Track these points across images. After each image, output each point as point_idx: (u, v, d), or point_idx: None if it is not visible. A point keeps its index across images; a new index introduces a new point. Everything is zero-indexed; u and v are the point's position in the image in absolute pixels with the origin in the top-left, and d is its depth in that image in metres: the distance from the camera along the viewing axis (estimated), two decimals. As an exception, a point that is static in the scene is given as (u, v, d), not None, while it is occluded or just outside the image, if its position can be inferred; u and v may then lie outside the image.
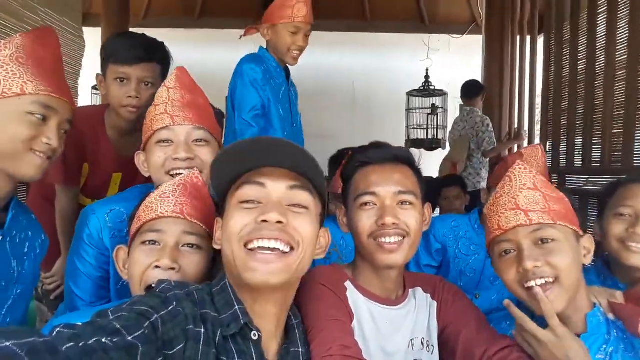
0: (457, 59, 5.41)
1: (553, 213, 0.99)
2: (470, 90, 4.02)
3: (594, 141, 2.84)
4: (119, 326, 0.66)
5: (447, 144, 4.31)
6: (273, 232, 0.80)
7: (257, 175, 0.85)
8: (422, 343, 1.09)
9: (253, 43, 2.10)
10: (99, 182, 1.70)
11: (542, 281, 0.96)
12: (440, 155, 4.35)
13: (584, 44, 2.97)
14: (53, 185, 1.69)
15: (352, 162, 1.13)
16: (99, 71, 1.63)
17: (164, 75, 1.62)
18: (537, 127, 3.92)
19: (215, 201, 1.07)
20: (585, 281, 1.33)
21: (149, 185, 1.26)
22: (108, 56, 1.57)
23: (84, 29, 3.40)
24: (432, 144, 4.48)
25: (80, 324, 0.65)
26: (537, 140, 3.85)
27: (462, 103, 4.12)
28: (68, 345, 0.57)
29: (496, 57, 4.34)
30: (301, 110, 2.19)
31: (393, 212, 1.03)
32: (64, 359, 0.54)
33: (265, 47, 1.99)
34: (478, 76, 4.40)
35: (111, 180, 1.71)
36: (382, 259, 1.04)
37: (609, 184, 1.44)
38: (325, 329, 0.92)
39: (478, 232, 1.80)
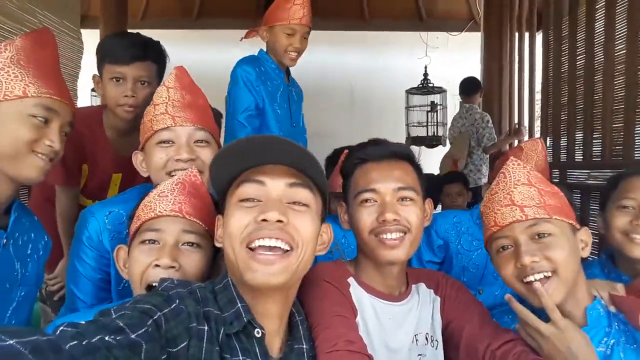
0: (456, 56, 5.41)
1: (548, 207, 0.99)
2: (468, 87, 4.03)
3: (594, 136, 2.83)
4: (122, 324, 0.65)
5: (447, 141, 4.31)
6: (273, 232, 0.80)
7: (256, 173, 0.85)
8: (426, 338, 1.09)
9: (251, 44, 2.12)
10: (99, 182, 1.70)
11: (541, 275, 0.97)
12: (440, 152, 4.35)
13: (582, 40, 2.96)
14: (54, 186, 1.70)
15: (351, 159, 1.13)
16: (97, 73, 1.63)
17: (160, 74, 1.62)
18: (537, 123, 3.92)
19: (214, 199, 1.07)
20: (589, 274, 1.34)
21: (147, 185, 1.25)
22: (103, 56, 1.57)
23: (82, 31, 3.39)
24: (432, 141, 4.48)
25: (83, 322, 0.65)
26: (537, 136, 3.85)
27: (461, 100, 4.12)
28: (71, 344, 0.57)
29: (495, 54, 4.34)
30: (301, 109, 2.20)
31: (393, 208, 1.03)
32: (68, 357, 0.54)
33: (266, 48, 2.02)
34: (477, 73, 4.40)
35: (111, 180, 1.71)
36: (384, 255, 1.04)
37: (611, 176, 1.44)
38: (330, 325, 0.92)
39: (480, 228, 1.80)
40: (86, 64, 3.26)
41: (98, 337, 0.61)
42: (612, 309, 1.04)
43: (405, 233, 1.04)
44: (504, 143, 3.95)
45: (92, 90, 3.93)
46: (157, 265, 0.95)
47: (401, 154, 1.11)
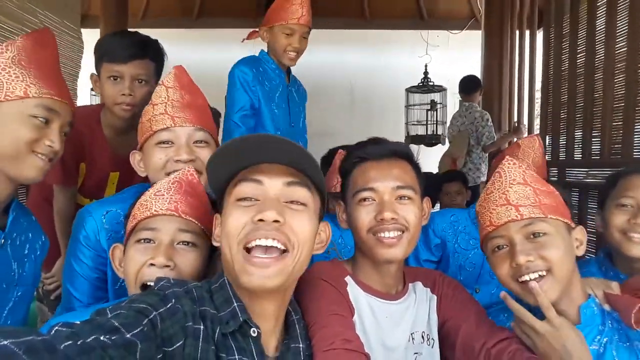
0: (456, 55, 5.40)
1: (544, 207, 0.99)
2: (468, 85, 4.02)
3: (593, 134, 2.83)
4: (117, 324, 0.65)
5: (447, 140, 4.31)
6: (270, 232, 0.80)
7: (253, 172, 0.84)
8: (423, 337, 1.10)
9: (253, 43, 2.12)
10: (96, 181, 1.70)
11: (536, 275, 0.97)
12: (439, 150, 4.34)
13: (583, 38, 2.95)
14: (53, 186, 1.70)
15: (350, 158, 1.13)
16: (95, 72, 1.63)
17: (158, 72, 1.62)
18: (537, 121, 3.91)
19: (211, 198, 1.07)
20: (586, 272, 1.34)
21: (145, 184, 1.25)
22: (101, 55, 1.57)
23: (83, 30, 3.40)
24: (431, 140, 4.47)
25: (78, 322, 0.65)
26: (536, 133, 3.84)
27: (460, 99, 4.12)
28: (66, 344, 0.57)
29: (495, 52, 4.33)
30: (300, 108, 2.20)
31: (392, 207, 1.03)
32: (63, 358, 0.54)
33: (267, 49, 2.04)
34: (477, 71, 4.39)
35: (108, 179, 1.71)
36: (382, 254, 1.04)
37: (610, 175, 1.44)
38: (327, 324, 0.92)
39: (477, 226, 1.79)
40: (86, 63, 3.26)
41: (93, 337, 0.61)
42: (607, 307, 1.04)
43: (403, 232, 1.05)
44: (503, 141, 3.95)
45: (92, 89, 3.91)
46: (152, 264, 0.95)
47: (400, 153, 1.11)
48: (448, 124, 4.33)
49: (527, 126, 4.05)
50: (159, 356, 0.70)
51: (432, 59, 4.97)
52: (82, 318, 0.69)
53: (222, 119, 2.19)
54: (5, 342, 0.48)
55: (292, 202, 0.84)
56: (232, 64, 2.03)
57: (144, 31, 1.70)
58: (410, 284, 1.15)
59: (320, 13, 2.52)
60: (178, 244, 0.99)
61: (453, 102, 4.73)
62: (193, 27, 5.42)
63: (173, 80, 1.22)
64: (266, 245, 0.80)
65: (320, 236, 0.92)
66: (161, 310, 0.73)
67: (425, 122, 4.53)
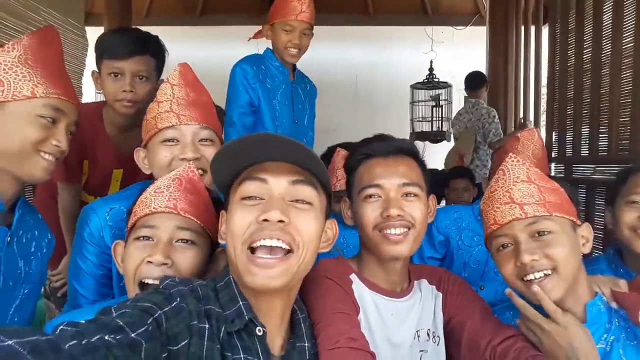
0: (461, 51, 5.37)
1: (548, 204, 0.98)
2: (474, 81, 4.00)
3: (600, 130, 2.81)
4: (122, 323, 0.65)
5: (452, 136, 4.28)
6: (274, 232, 0.79)
7: (258, 170, 0.84)
8: (428, 334, 1.09)
9: (257, 41, 2.13)
10: (100, 178, 1.71)
11: (541, 274, 0.96)
12: (445, 147, 4.33)
13: (589, 33, 2.93)
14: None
15: (355, 154, 1.12)
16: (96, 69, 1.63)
17: (158, 69, 1.62)
18: (543, 117, 3.89)
19: (212, 195, 1.06)
20: (595, 269, 1.33)
21: (149, 182, 1.25)
22: (101, 52, 1.57)
23: (87, 28, 3.41)
24: (436, 136, 4.46)
25: (83, 321, 0.65)
26: (543, 130, 3.82)
27: (466, 95, 4.09)
28: (71, 343, 0.57)
29: (500, 48, 4.31)
30: (304, 104, 2.19)
31: (398, 204, 1.03)
32: (67, 357, 0.54)
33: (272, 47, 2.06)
34: (482, 67, 4.37)
35: (112, 176, 1.71)
36: (388, 250, 1.04)
37: (620, 171, 1.42)
38: (332, 323, 0.92)
39: (481, 223, 1.79)
40: (91, 61, 3.27)
41: (98, 337, 0.60)
42: (614, 305, 1.03)
43: (409, 229, 1.04)
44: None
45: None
46: (149, 262, 0.94)
47: (406, 150, 1.10)
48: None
49: (533, 122, 4.02)
50: (163, 355, 0.70)
51: (436, 55, 4.94)
52: (87, 316, 0.69)
53: (225, 117, 2.19)
54: (10, 342, 0.48)
55: (297, 201, 0.83)
56: (236, 61, 2.04)
57: (147, 29, 1.70)
58: (415, 282, 1.14)
59: (323, 9, 2.51)
60: (177, 241, 0.98)
61: (458, 98, 4.70)
62: (197, 24, 5.42)
63: (178, 77, 1.22)
64: (270, 246, 0.79)
65: (327, 234, 0.91)
66: (166, 309, 0.73)
67: (430, 119, 4.52)
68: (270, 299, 0.84)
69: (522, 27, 4.24)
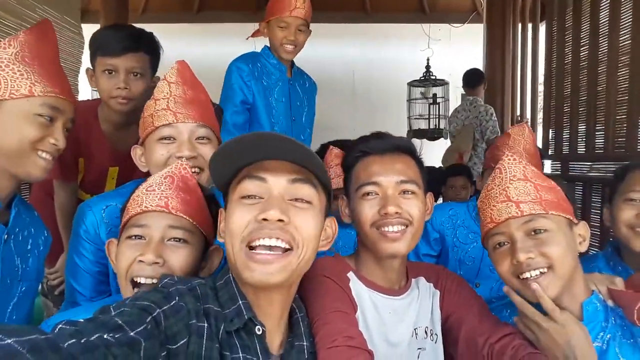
0: (458, 48, 5.38)
1: (545, 203, 0.98)
2: (472, 78, 3.99)
3: (597, 127, 2.82)
4: (121, 322, 0.65)
5: (449, 134, 4.29)
6: (273, 231, 0.79)
7: (257, 169, 0.83)
8: (426, 332, 1.10)
9: (254, 39, 2.12)
10: (95, 176, 1.70)
11: (537, 272, 0.96)
12: (442, 144, 4.33)
13: (586, 30, 2.94)
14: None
15: (353, 152, 1.12)
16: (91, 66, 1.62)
17: (153, 66, 1.61)
18: (540, 114, 3.89)
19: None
20: (593, 267, 1.33)
21: (145, 179, 1.25)
22: (95, 49, 1.56)
23: (83, 25, 3.39)
24: (433, 134, 4.46)
25: (82, 320, 0.64)
26: (540, 128, 3.82)
27: (463, 92, 4.09)
28: (70, 342, 0.57)
29: (498, 46, 4.31)
30: (302, 102, 2.19)
31: (395, 202, 1.03)
32: (66, 356, 0.54)
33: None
34: (479, 65, 4.37)
35: (108, 174, 1.70)
36: (385, 248, 1.04)
37: (618, 168, 1.41)
38: (330, 321, 0.92)
39: (476, 220, 1.79)
40: (87, 59, 3.26)
41: (97, 335, 0.60)
42: (610, 303, 1.03)
43: (406, 226, 1.04)
44: (508, 136, 3.92)
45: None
46: (141, 261, 0.94)
47: (403, 148, 1.10)
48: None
49: (529, 120, 4.03)
50: (162, 354, 0.70)
51: (433, 52, 4.94)
52: (86, 314, 0.69)
53: (223, 115, 2.19)
54: (9, 341, 0.48)
55: (296, 199, 0.83)
56: (233, 58, 2.05)
57: (144, 26, 1.69)
58: (413, 279, 1.14)
59: (321, 7, 2.51)
60: (169, 240, 0.97)
61: (455, 96, 4.71)
62: (194, 21, 5.40)
63: (176, 75, 1.21)
64: (270, 245, 0.79)
65: (327, 232, 0.91)
66: (165, 307, 0.73)
67: (427, 116, 4.52)
68: (269, 296, 0.84)
69: (520, 25, 4.24)
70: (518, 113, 4.22)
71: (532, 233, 0.98)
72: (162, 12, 5.28)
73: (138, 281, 0.94)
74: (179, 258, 0.96)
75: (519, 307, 0.99)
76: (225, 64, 2.06)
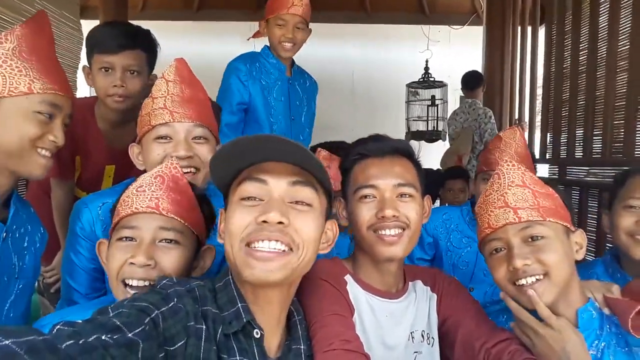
0: (458, 50, 5.39)
1: (542, 209, 0.98)
2: (471, 81, 3.99)
3: (595, 132, 2.82)
4: (119, 323, 0.65)
5: (447, 136, 4.29)
6: (273, 233, 0.79)
7: (258, 171, 0.83)
8: (422, 336, 1.10)
9: (254, 39, 2.13)
10: (92, 174, 1.69)
11: (533, 279, 0.96)
12: (440, 146, 4.34)
13: (585, 35, 2.94)
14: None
15: (351, 154, 1.12)
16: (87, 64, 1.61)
17: (150, 63, 1.60)
18: (538, 118, 3.90)
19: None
20: (592, 274, 1.32)
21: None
22: (92, 46, 1.55)
23: (82, 21, 3.38)
24: (432, 136, 4.46)
25: (80, 321, 0.64)
26: (537, 131, 3.83)
27: (462, 94, 4.10)
28: (68, 343, 0.57)
29: (497, 48, 4.31)
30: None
31: (393, 205, 1.03)
32: (64, 357, 0.54)
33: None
34: (478, 67, 4.38)
35: (104, 172, 1.70)
36: (382, 252, 1.04)
37: (618, 174, 1.40)
38: (327, 324, 0.92)
39: (470, 225, 1.80)
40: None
41: (95, 336, 0.60)
42: (606, 311, 1.03)
43: (404, 229, 1.04)
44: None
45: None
46: (132, 263, 0.93)
47: (401, 150, 1.10)
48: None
49: (527, 123, 4.04)
50: (160, 355, 0.70)
51: (432, 54, 4.95)
52: (82, 314, 0.69)
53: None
54: (7, 342, 0.48)
55: (296, 202, 0.83)
56: (232, 56, 2.05)
57: (143, 23, 1.68)
58: (410, 283, 1.15)
59: (321, 7, 2.51)
60: (160, 241, 0.96)
61: (454, 98, 4.72)
62: (193, 19, 5.39)
63: (174, 73, 1.20)
64: (269, 247, 0.79)
65: (327, 235, 0.91)
66: (163, 309, 0.73)
67: (426, 118, 4.52)
68: (268, 296, 0.84)
69: (519, 28, 4.25)
70: (517, 116, 4.22)
71: (529, 240, 0.98)
72: (161, 9, 5.26)
73: (129, 283, 0.94)
74: (170, 259, 0.96)
75: (515, 313, 0.99)
76: (225, 62, 2.06)
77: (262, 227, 0.79)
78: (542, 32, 3.78)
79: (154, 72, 1.63)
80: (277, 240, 0.79)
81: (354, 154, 1.11)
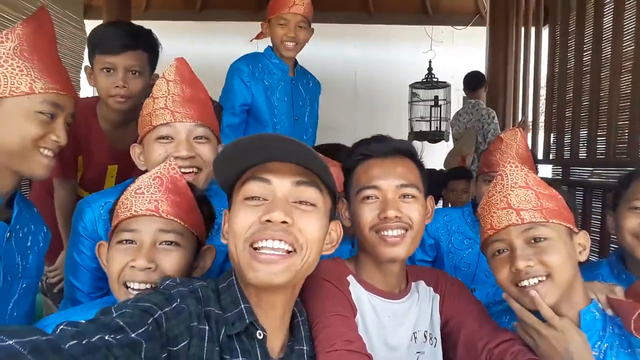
0: (461, 51, 5.38)
1: (545, 211, 0.98)
2: (472, 81, 3.98)
3: (598, 133, 2.81)
4: (122, 323, 0.65)
5: (450, 136, 4.28)
6: (277, 233, 0.79)
7: (262, 170, 0.83)
8: (425, 336, 1.10)
9: (254, 36, 2.13)
10: (95, 174, 1.69)
11: (535, 280, 0.96)
12: (443, 147, 4.33)
13: (589, 35, 2.93)
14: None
15: (354, 155, 1.12)
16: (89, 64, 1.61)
17: (152, 63, 1.60)
18: (542, 119, 3.89)
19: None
20: (597, 275, 1.32)
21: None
22: (94, 47, 1.55)
23: (85, 21, 3.39)
24: (435, 136, 4.45)
25: (83, 321, 0.65)
26: (541, 132, 3.82)
27: (465, 95, 4.09)
28: (71, 343, 0.57)
29: (500, 49, 4.30)
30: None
31: (395, 206, 1.03)
32: (67, 357, 0.54)
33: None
34: (482, 68, 4.37)
35: (107, 172, 1.70)
36: (385, 252, 1.04)
37: (623, 175, 1.39)
38: (330, 325, 0.92)
39: (471, 226, 1.79)
40: (89, 55, 3.25)
41: (98, 337, 0.60)
42: (610, 312, 1.02)
43: (406, 230, 1.04)
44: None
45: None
46: (133, 266, 0.93)
47: (404, 151, 1.10)
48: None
49: (531, 123, 4.03)
50: (163, 355, 0.70)
51: (436, 54, 4.94)
52: (85, 313, 0.69)
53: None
54: (11, 342, 0.48)
55: (300, 202, 0.83)
56: (235, 56, 2.06)
57: (146, 23, 1.68)
58: (413, 283, 1.14)
59: (324, 7, 2.51)
60: (160, 244, 0.96)
61: (457, 98, 4.71)
62: (196, 19, 5.40)
63: (174, 73, 1.20)
64: (272, 247, 0.79)
65: (331, 236, 0.91)
66: (166, 309, 0.73)
67: (429, 119, 4.51)
68: (272, 298, 0.84)
69: (522, 28, 4.23)
70: (524, 117, 4.20)
71: (532, 241, 0.97)
72: (164, 9, 5.27)
73: (131, 286, 0.94)
74: (171, 262, 0.96)
75: (518, 314, 0.99)
76: (227, 62, 2.07)
77: (266, 227, 0.79)
78: (545, 32, 3.77)
79: (156, 72, 1.63)
80: (280, 240, 0.79)
81: (356, 154, 1.11)
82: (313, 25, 2.05)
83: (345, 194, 1.14)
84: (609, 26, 2.72)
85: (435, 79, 4.48)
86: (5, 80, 1.01)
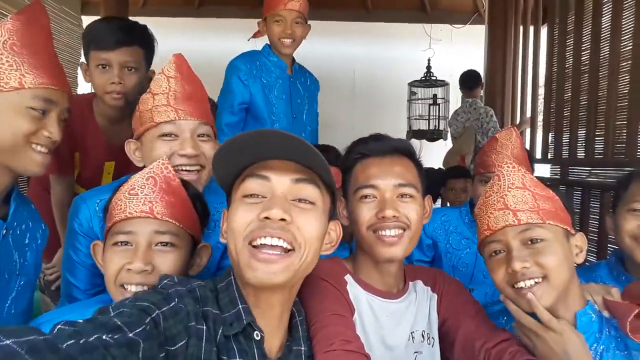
0: (460, 49, 5.37)
1: (542, 212, 0.98)
2: (469, 80, 3.98)
3: (597, 132, 2.82)
4: (119, 323, 0.65)
5: (449, 135, 4.28)
6: (275, 230, 0.78)
7: (261, 168, 0.83)
8: (423, 336, 1.10)
9: (253, 32, 2.12)
10: (91, 171, 1.69)
11: (532, 282, 0.96)
12: (441, 146, 4.33)
13: (588, 35, 2.93)
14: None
15: (351, 153, 1.12)
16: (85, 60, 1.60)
17: (147, 59, 1.59)
18: (540, 118, 3.89)
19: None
20: (596, 276, 1.32)
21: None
22: (89, 43, 1.54)
23: (83, 17, 3.38)
24: (433, 135, 4.46)
25: (81, 321, 0.64)
26: (539, 131, 3.83)
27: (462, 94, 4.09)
28: (69, 343, 0.57)
29: (499, 48, 4.30)
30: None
31: (393, 205, 1.03)
32: (65, 357, 0.53)
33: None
34: (480, 66, 4.37)
35: (104, 169, 1.69)
36: (382, 252, 1.04)
37: (622, 176, 1.39)
38: (327, 324, 0.92)
39: (469, 226, 1.79)
40: (86, 51, 3.23)
41: (95, 336, 0.60)
42: (606, 313, 1.02)
43: (404, 230, 1.04)
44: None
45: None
46: (130, 269, 0.93)
47: (402, 150, 1.10)
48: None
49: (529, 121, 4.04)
50: (161, 355, 0.70)
51: (434, 53, 4.93)
52: (81, 311, 0.68)
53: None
54: (8, 342, 0.48)
55: (299, 200, 0.82)
56: (233, 53, 2.06)
57: (144, 19, 1.67)
58: (410, 283, 1.14)
59: (322, 4, 2.50)
60: (156, 245, 0.95)
61: (455, 97, 4.70)
62: (194, 16, 5.37)
63: (174, 69, 1.19)
64: (271, 244, 0.79)
65: (330, 235, 0.90)
66: (164, 309, 0.73)
67: (427, 117, 4.51)
68: (270, 297, 0.83)
69: (521, 27, 4.23)
70: (518, 115, 4.21)
71: (529, 242, 0.97)
72: (162, 5, 5.25)
73: (128, 289, 0.93)
74: (167, 262, 0.95)
75: (515, 315, 0.99)
76: (225, 59, 2.06)
77: (265, 224, 0.79)
78: (544, 31, 3.77)
79: (153, 68, 1.62)
80: (279, 238, 0.78)
81: (355, 153, 1.11)
82: (311, 22, 2.05)
83: (344, 193, 1.14)
84: (608, 26, 2.72)
85: (433, 78, 4.48)
86: None
